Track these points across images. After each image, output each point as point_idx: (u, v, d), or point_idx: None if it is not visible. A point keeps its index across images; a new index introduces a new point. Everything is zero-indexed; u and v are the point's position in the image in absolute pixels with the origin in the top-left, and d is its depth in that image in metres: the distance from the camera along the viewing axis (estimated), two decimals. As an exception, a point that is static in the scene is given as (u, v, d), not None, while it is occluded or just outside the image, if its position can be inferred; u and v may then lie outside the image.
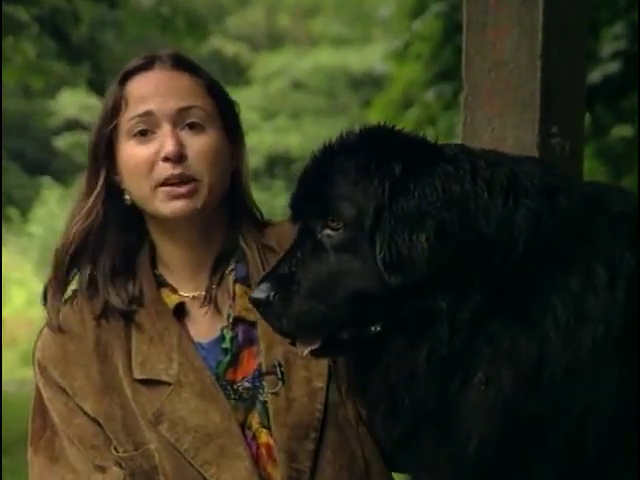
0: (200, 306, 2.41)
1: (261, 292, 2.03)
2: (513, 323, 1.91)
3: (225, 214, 2.44)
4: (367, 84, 22.93)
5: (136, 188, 2.35)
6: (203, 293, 2.42)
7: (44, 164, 23.52)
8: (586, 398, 1.89)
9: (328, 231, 2.01)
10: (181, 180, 2.31)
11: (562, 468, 1.93)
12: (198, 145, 2.33)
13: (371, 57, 21.46)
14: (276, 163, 23.57)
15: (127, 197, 2.39)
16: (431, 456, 1.99)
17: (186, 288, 2.43)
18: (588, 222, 1.96)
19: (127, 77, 2.37)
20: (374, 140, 2.05)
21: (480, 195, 1.94)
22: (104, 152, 2.38)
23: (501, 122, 2.77)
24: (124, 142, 2.35)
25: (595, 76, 8.40)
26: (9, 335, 16.11)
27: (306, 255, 2.03)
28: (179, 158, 2.30)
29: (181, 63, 2.38)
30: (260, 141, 21.45)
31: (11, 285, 17.78)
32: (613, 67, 8.62)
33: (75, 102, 21.63)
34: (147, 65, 2.37)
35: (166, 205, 2.32)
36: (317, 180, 2.06)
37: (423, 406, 1.97)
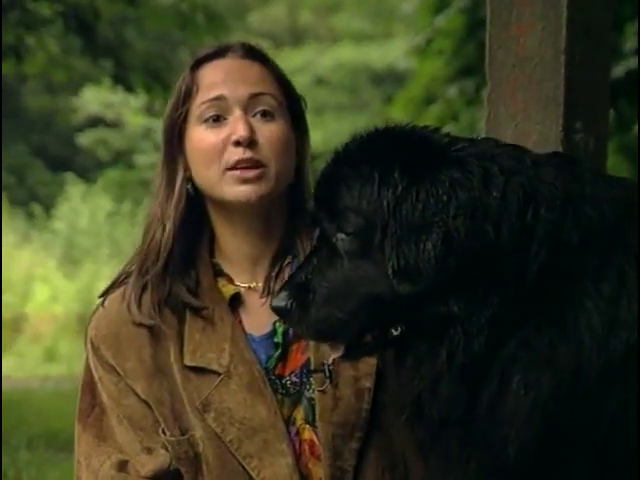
0: (260, 297, 2.41)
1: (280, 300, 2.05)
2: (549, 327, 1.90)
3: (286, 209, 2.44)
4: (389, 80, 22.90)
5: (204, 173, 2.35)
6: (260, 284, 2.42)
7: (67, 161, 23.62)
8: (618, 402, 1.88)
9: (342, 236, 2.01)
10: (251, 164, 2.32)
11: (596, 469, 1.92)
12: (268, 132, 2.34)
13: (393, 53, 21.43)
14: (298, 159, 23.53)
15: (189, 187, 2.39)
16: (459, 458, 1.98)
17: (243, 278, 2.43)
18: (619, 229, 1.94)
19: (199, 64, 2.39)
20: (375, 149, 2.04)
21: (491, 203, 1.92)
22: (178, 138, 2.38)
23: (525, 118, 2.76)
24: (194, 127, 2.36)
25: (618, 71, 8.36)
26: (32, 331, 16.20)
27: (321, 261, 2.04)
28: (250, 143, 2.31)
29: (253, 52, 2.41)
30: (282, 137, 21.39)
31: (35, 281, 17.88)
32: (636, 62, 8.58)
33: (98, 99, 21.71)
34: (220, 53, 2.40)
35: (233, 189, 2.32)
36: (326, 190, 2.07)
37: (447, 415, 1.96)
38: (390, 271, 1.93)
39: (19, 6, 10.55)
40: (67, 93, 21.99)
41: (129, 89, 13.16)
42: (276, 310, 2.08)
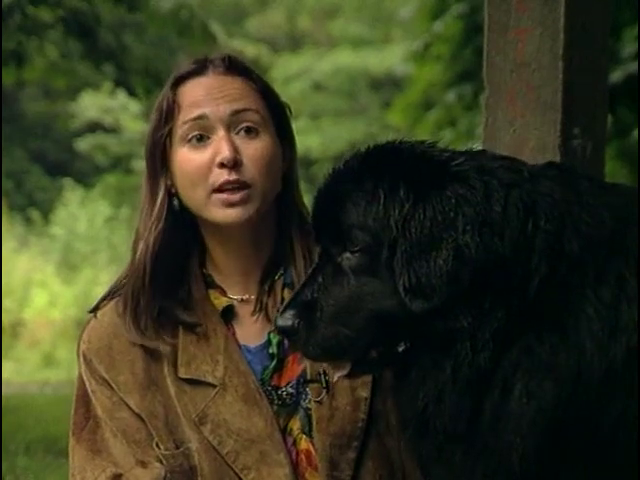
0: (251, 314, 2.41)
1: (286, 320, 2.04)
2: (550, 334, 1.91)
3: (275, 218, 2.44)
4: (387, 85, 22.91)
5: (191, 194, 2.35)
6: (252, 297, 2.42)
7: (65, 166, 23.60)
8: (620, 407, 1.89)
9: (347, 254, 2.02)
10: (236, 186, 2.31)
11: (598, 473, 1.93)
12: (253, 150, 2.33)
13: (391, 58, 21.43)
14: (296, 164, 23.51)
15: (175, 202, 2.38)
16: (464, 468, 1.99)
17: (235, 290, 2.43)
18: (617, 235, 1.95)
19: (180, 81, 2.37)
20: (377, 165, 2.04)
21: (494, 218, 1.93)
22: (161, 157, 2.37)
23: (523, 123, 2.77)
24: (178, 148, 2.35)
25: (616, 77, 8.37)
26: (30, 336, 16.19)
27: (327, 280, 2.04)
28: (234, 164, 2.30)
29: (234, 67, 2.39)
30: (280, 142, 21.37)
31: (33, 287, 17.86)
32: (634, 67, 8.58)
33: (96, 104, 21.70)
34: (200, 70, 2.38)
35: (220, 212, 2.32)
36: (330, 206, 2.07)
37: (453, 428, 1.97)
38: (401, 289, 1.94)
39: (19, 11, 10.55)
40: (65, 98, 21.98)
41: (131, 93, 13.18)
42: (282, 330, 2.07)
